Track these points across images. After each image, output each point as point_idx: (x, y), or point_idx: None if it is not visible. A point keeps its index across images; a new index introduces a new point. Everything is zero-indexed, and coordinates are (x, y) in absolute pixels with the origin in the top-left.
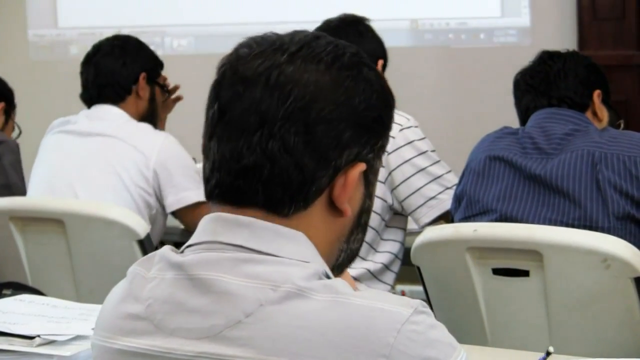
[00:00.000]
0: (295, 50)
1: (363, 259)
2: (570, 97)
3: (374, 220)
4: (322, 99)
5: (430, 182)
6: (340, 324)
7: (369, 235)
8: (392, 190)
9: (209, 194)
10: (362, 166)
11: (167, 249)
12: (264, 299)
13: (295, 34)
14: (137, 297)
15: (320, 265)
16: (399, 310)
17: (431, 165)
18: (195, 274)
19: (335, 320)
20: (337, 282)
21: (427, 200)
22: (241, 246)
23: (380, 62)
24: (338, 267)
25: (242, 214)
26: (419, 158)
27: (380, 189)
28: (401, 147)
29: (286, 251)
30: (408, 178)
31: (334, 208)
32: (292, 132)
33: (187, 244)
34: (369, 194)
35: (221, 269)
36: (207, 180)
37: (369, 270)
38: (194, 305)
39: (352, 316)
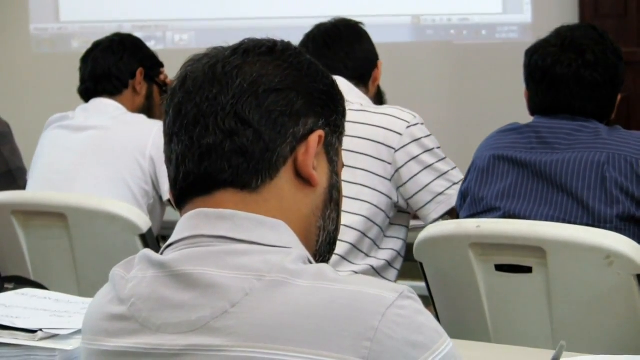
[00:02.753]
0: (237, 46)
1: (366, 255)
2: (585, 109)
3: (378, 217)
4: (269, 74)
5: (437, 178)
6: (325, 308)
7: (374, 231)
8: (399, 187)
9: (179, 193)
10: (320, 132)
11: (147, 251)
12: (250, 288)
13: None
14: (120, 298)
15: (302, 250)
16: (385, 295)
17: (438, 161)
18: (179, 270)
19: (320, 305)
20: (323, 267)
21: (435, 197)
22: (224, 237)
23: (380, 63)
24: (320, 253)
25: (214, 200)
26: (425, 155)
27: (385, 187)
28: (408, 144)
29: (268, 239)
30: (415, 175)
31: (302, 179)
32: (245, 106)
33: (167, 243)
34: (335, 171)
35: (205, 263)
36: (174, 181)
37: (372, 267)
38: (179, 300)
39: (337, 300)
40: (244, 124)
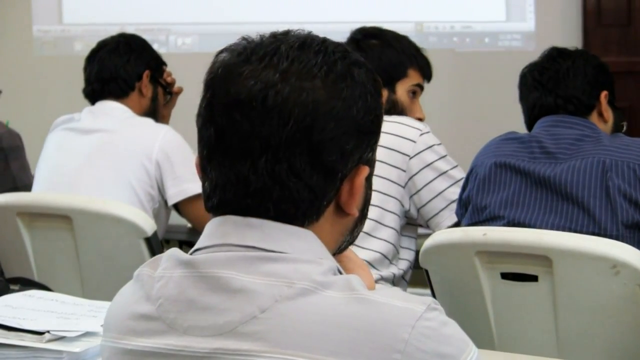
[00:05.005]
0: (286, 67)
1: (390, 262)
2: (578, 97)
3: (394, 221)
4: (322, 118)
5: (451, 185)
6: (356, 319)
7: (393, 236)
8: (412, 195)
9: (210, 208)
10: (365, 171)
11: (176, 250)
12: (279, 295)
13: (279, 41)
14: (147, 297)
15: (332, 262)
16: (413, 307)
17: (451, 169)
18: (207, 272)
19: (351, 316)
20: (352, 278)
21: (450, 203)
22: (253, 247)
23: None
24: (339, 251)
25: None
26: (439, 162)
27: (398, 193)
28: (422, 151)
29: (298, 249)
30: (430, 182)
31: (340, 210)
32: (297, 154)
33: (195, 248)
34: (369, 185)
35: (235, 268)
36: (207, 198)
37: (394, 274)
38: (206, 303)
39: (367, 312)
40: (296, 176)
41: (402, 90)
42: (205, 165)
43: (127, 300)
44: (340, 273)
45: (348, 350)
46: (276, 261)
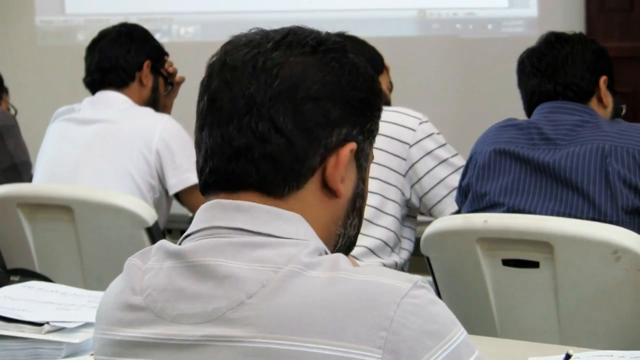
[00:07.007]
0: (280, 38)
1: (392, 249)
2: (577, 83)
3: (395, 209)
4: (308, 79)
5: (452, 172)
6: (340, 299)
7: (394, 224)
8: (413, 184)
9: (204, 184)
10: (352, 145)
11: (164, 241)
12: (266, 279)
13: (281, 28)
14: (135, 288)
15: (319, 242)
16: (399, 285)
17: (451, 157)
18: (196, 261)
19: (336, 295)
20: (339, 257)
21: (452, 191)
22: (241, 229)
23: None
24: (336, 250)
25: (238, 198)
26: (439, 150)
27: (399, 181)
28: (422, 139)
29: (285, 231)
30: (431, 169)
31: (328, 189)
32: (281, 111)
33: (185, 234)
34: (362, 179)
35: (222, 255)
36: (200, 171)
37: (396, 263)
38: (195, 291)
39: (353, 291)
40: (277, 131)
41: (383, 84)
42: (198, 137)
43: (115, 292)
44: (326, 253)
45: (334, 330)
46: (263, 247)
